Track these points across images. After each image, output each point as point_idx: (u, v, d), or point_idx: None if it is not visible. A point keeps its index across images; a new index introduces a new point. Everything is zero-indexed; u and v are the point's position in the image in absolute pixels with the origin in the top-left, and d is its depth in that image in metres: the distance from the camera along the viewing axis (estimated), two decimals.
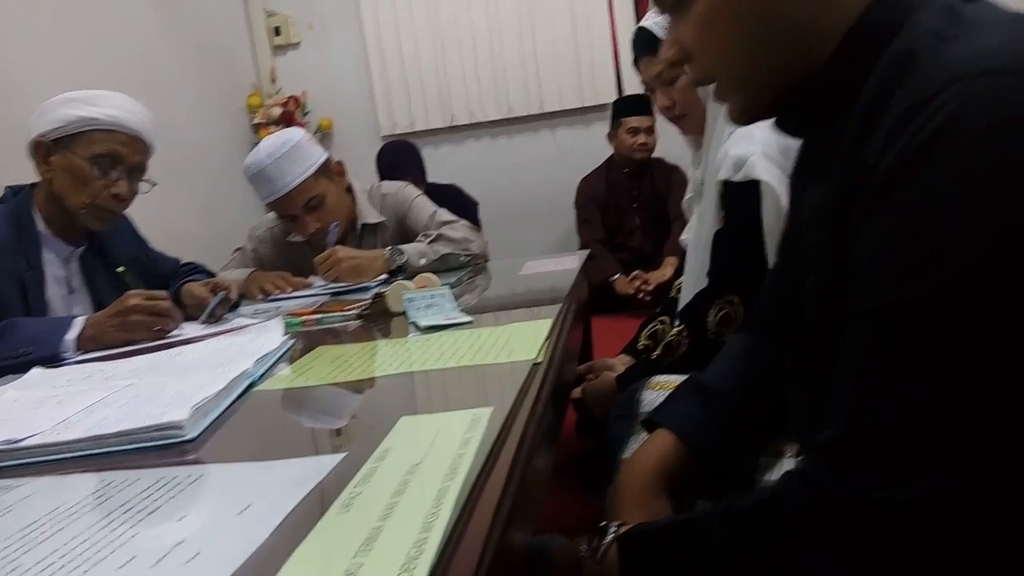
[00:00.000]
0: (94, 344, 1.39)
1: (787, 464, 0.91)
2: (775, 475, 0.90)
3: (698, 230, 1.52)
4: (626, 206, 3.90)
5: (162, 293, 1.47)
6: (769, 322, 0.94)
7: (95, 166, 1.54)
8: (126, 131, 1.56)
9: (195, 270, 1.88)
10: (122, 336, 1.40)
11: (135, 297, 1.42)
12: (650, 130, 3.73)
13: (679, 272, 1.74)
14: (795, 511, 0.60)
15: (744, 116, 0.76)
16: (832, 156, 0.65)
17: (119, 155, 1.55)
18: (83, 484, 0.67)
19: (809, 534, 0.59)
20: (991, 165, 0.52)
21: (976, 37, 0.58)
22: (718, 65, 0.73)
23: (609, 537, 0.74)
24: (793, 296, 0.76)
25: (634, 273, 3.64)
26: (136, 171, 1.60)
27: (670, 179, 3.79)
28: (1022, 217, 0.51)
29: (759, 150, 1.28)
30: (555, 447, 0.93)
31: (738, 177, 1.30)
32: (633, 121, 3.72)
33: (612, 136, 3.83)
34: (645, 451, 0.92)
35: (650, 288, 3.52)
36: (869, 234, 0.59)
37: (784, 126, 0.78)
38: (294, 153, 1.96)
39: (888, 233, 0.57)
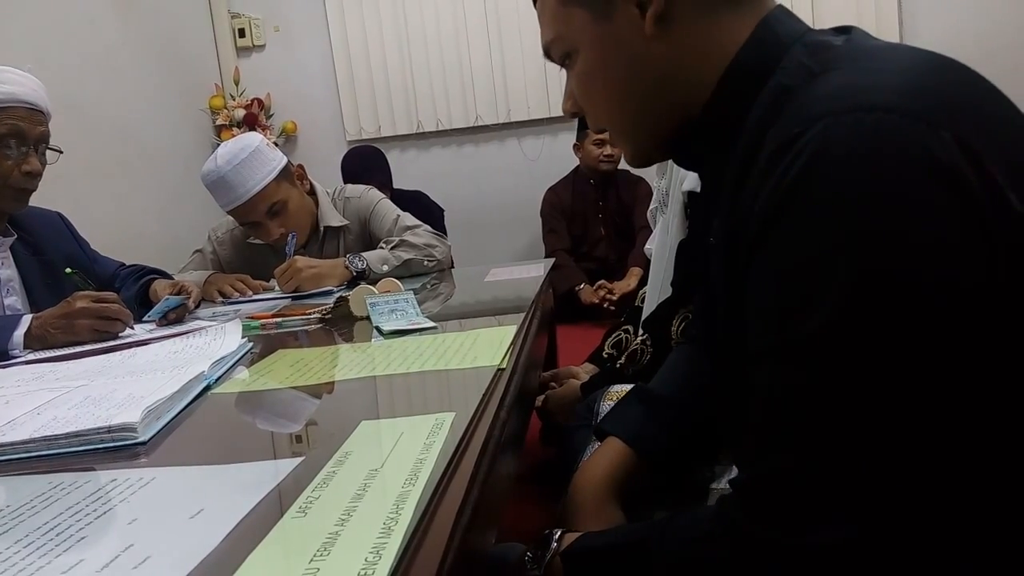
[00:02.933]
0: (39, 344, 1.35)
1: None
2: None
3: (662, 240, 1.53)
4: (592, 216, 3.92)
5: (111, 295, 1.44)
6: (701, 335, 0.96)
7: (1, 147, 1.49)
8: (24, 105, 1.52)
9: (141, 271, 1.84)
10: (67, 337, 1.36)
11: (83, 299, 1.38)
12: None
13: (643, 282, 1.75)
14: (727, 548, 0.59)
15: (637, 160, 0.78)
16: (722, 193, 0.67)
17: (22, 131, 1.51)
18: (30, 486, 0.64)
19: (741, 571, 0.59)
20: (855, 202, 0.52)
21: (844, 73, 0.58)
22: (603, 117, 0.75)
23: (552, 546, 0.74)
24: (709, 319, 0.77)
25: (599, 283, 3.66)
26: (40, 143, 1.56)
27: (635, 190, 3.83)
28: (887, 250, 0.51)
29: None
30: (519, 454, 0.93)
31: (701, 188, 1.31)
32: (599, 133, 3.75)
33: (578, 147, 3.86)
34: (596, 459, 0.93)
35: (615, 298, 3.54)
36: (754, 276, 0.59)
37: (682, 163, 0.80)
38: (253, 159, 1.93)
39: (769, 276, 0.57)
